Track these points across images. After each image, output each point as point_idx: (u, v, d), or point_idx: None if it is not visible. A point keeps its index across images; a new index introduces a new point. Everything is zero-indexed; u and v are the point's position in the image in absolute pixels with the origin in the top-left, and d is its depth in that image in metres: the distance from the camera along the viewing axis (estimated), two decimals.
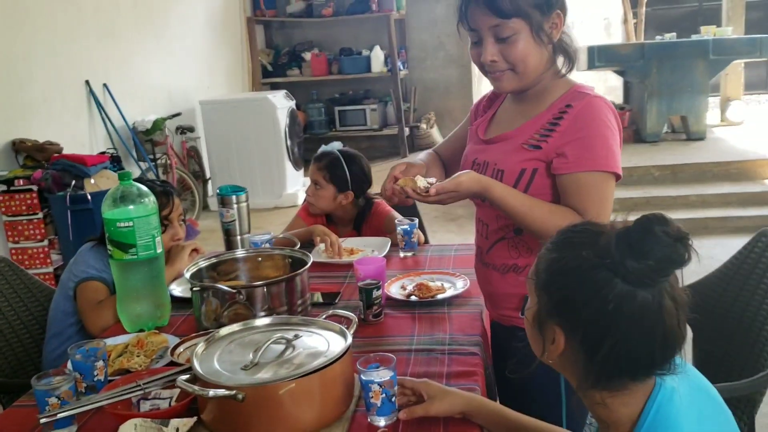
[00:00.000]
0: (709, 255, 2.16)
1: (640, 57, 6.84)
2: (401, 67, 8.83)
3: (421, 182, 1.68)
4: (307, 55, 9.08)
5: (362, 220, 2.79)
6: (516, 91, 1.74)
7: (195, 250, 2.30)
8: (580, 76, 10.86)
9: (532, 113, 1.73)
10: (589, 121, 1.64)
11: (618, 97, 8.23)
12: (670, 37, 7.52)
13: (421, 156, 1.99)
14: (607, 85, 10.63)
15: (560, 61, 1.72)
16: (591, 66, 6.94)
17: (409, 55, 9.19)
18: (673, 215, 4.27)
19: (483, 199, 1.69)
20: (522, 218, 1.64)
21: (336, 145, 2.80)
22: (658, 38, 7.74)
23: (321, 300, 2.08)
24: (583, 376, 1.06)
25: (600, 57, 6.88)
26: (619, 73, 7.56)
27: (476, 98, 7.37)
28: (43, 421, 1.39)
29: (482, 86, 10.37)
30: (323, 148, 2.84)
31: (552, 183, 1.67)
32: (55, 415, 1.39)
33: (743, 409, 1.92)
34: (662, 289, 1.01)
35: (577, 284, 1.03)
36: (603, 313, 1.00)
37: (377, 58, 8.79)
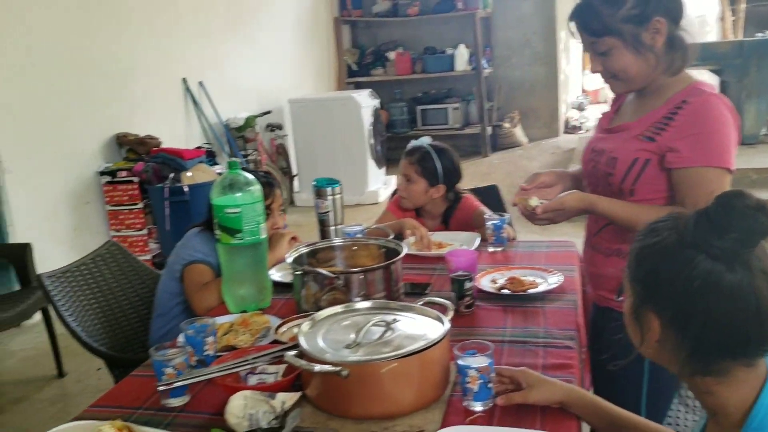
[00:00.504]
0: None
1: (738, 55, 6.60)
2: (485, 65, 8.81)
3: (534, 201, 1.85)
4: (392, 54, 9.17)
5: (451, 214, 2.82)
6: (629, 92, 1.84)
7: (293, 239, 2.41)
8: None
9: (650, 107, 1.80)
10: (705, 118, 1.68)
11: None
12: None
13: (571, 168, 2.13)
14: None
15: (673, 61, 1.74)
16: None
17: (494, 53, 9.15)
18: None
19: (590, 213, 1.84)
20: (632, 226, 1.71)
21: (426, 140, 2.84)
22: (758, 35, 7.44)
23: (417, 290, 2.13)
24: (681, 361, 1.07)
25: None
26: (716, 71, 7.30)
27: (563, 97, 7.42)
28: (161, 388, 1.50)
29: (569, 85, 10.23)
30: (413, 142, 2.87)
31: (663, 176, 1.74)
32: (172, 384, 1.49)
33: None
34: (750, 262, 1.01)
35: (662, 266, 1.06)
36: (690, 291, 1.02)
37: (461, 56, 8.80)
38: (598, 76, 1.81)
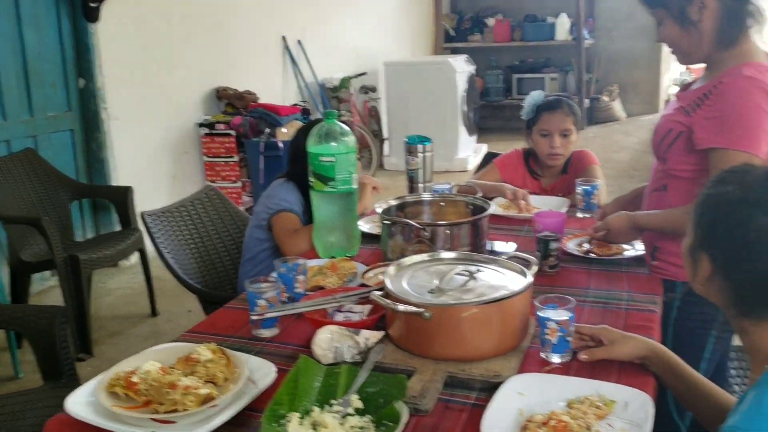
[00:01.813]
0: None
1: None
2: (586, 36, 8.58)
3: None
4: (491, 21, 9.06)
5: (569, 163, 2.78)
6: (689, 64, 1.92)
7: (374, 188, 2.47)
8: None
9: (703, 81, 1.86)
10: (732, 100, 1.71)
11: None
12: None
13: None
14: None
15: (722, 34, 1.77)
16: None
17: (596, 24, 8.89)
18: None
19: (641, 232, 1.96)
20: (675, 231, 1.75)
21: (540, 93, 2.77)
22: None
23: (503, 249, 2.15)
24: (728, 302, 1.16)
25: None
26: None
27: (665, 72, 7.19)
28: (254, 318, 1.59)
29: (671, 61, 9.83)
30: (540, 98, 2.75)
31: (689, 150, 1.79)
32: (263, 314, 1.58)
33: None
34: None
35: (722, 216, 1.13)
36: (744, 242, 1.10)
37: (562, 25, 8.60)
38: (666, 44, 1.87)
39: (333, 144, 2.01)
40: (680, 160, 1.83)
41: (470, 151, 7.46)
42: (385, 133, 7.51)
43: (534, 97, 2.75)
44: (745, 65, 1.74)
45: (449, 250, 1.89)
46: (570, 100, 2.75)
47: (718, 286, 1.16)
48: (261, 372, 1.39)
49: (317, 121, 2.18)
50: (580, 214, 2.47)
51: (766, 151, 1.70)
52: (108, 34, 4.53)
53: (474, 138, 7.63)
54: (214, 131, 5.24)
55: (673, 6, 1.76)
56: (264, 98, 5.55)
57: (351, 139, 2.04)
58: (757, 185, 1.11)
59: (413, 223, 1.87)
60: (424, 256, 1.66)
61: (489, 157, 3.27)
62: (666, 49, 8.16)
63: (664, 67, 9.03)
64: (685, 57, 1.86)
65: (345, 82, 6.60)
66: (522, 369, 1.42)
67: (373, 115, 7.40)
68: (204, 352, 1.41)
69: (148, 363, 1.36)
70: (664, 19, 1.80)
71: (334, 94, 6.59)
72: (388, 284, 1.50)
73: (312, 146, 2.03)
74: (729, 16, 1.74)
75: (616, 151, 7.61)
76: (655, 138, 1.93)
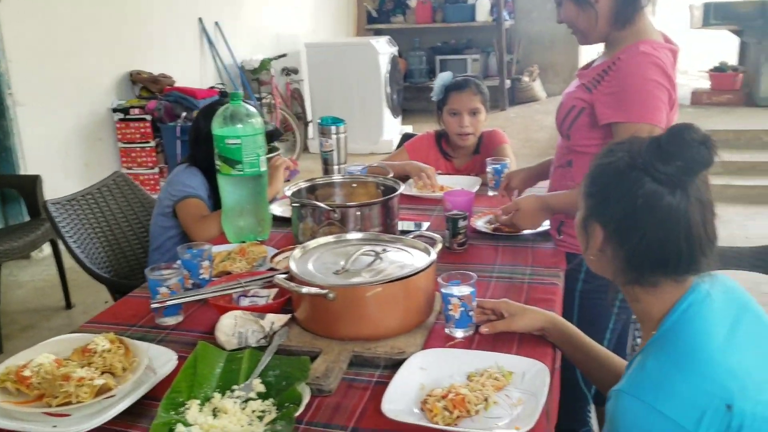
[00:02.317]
0: None
1: (759, 16, 6.46)
2: (507, 17, 8.69)
3: None
4: (413, 2, 9.07)
5: (480, 143, 2.81)
6: (586, 44, 1.94)
7: (287, 168, 2.44)
8: (695, 35, 10.32)
9: (601, 59, 1.91)
10: (629, 76, 1.77)
11: (732, 59, 7.83)
12: None
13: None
14: (721, 46, 10.10)
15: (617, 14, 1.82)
16: (705, 23, 6.64)
17: (515, 5, 9.01)
18: None
19: (552, 212, 1.98)
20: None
21: (449, 74, 2.79)
22: None
23: (412, 228, 2.17)
24: (619, 270, 1.17)
25: (716, 14, 6.56)
26: (736, 33, 7.18)
27: (583, 53, 7.36)
28: (154, 306, 1.56)
29: None
30: (453, 77, 2.77)
31: (593, 126, 1.84)
32: (165, 302, 1.55)
33: None
34: (689, 190, 1.10)
35: (612, 183, 1.15)
36: (633, 208, 1.12)
37: (483, 6, 8.68)
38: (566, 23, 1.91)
39: (239, 126, 1.97)
40: (584, 136, 1.88)
41: (395, 132, 7.46)
42: (309, 116, 7.45)
43: (443, 78, 2.77)
44: (641, 42, 1.80)
45: (360, 231, 1.89)
46: (478, 80, 2.78)
47: (610, 255, 1.18)
48: (161, 360, 1.36)
49: (220, 102, 2.13)
50: (491, 193, 2.52)
51: (666, 122, 1.76)
52: (11, 15, 4.32)
53: (399, 119, 7.65)
54: (128, 116, 5.08)
55: None
56: (181, 81, 5.42)
57: (257, 121, 2.01)
58: (643, 152, 1.12)
59: (322, 205, 1.86)
60: (330, 238, 1.65)
61: (405, 139, 3.28)
62: None
63: (582, 47, 9.24)
64: (583, 37, 1.90)
65: (265, 64, 6.49)
66: (427, 345, 1.44)
67: (296, 97, 7.33)
68: (101, 342, 1.36)
69: (41, 356, 1.31)
70: (563, 0, 1.85)
71: (254, 77, 6.49)
72: (293, 267, 1.49)
73: (217, 129, 1.99)
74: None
75: (537, 131, 7.76)
76: (558, 115, 1.98)
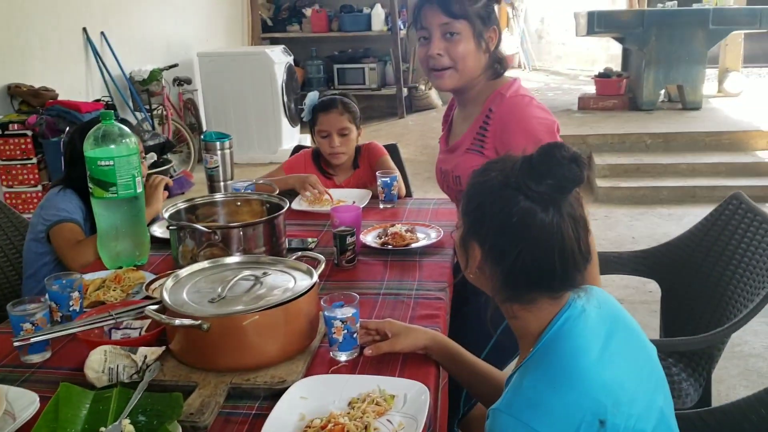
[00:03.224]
0: (695, 222, 2.24)
1: (639, 24, 6.78)
2: (401, 27, 8.77)
3: None
4: (308, 11, 9.01)
5: (358, 157, 2.81)
6: (455, 89, 1.94)
7: (167, 184, 2.36)
8: (584, 42, 10.74)
9: (471, 118, 1.94)
10: (511, 122, 1.82)
11: (618, 65, 8.20)
12: (671, 4, 7.44)
13: None
14: (608, 52, 10.56)
15: (494, 68, 1.92)
16: (591, 31, 6.90)
17: (409, 14, 9.11)
18: (663, 183, 4.40)
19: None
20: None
21: (315, 94, 2.79)
22: (659, 6, 7.67)
23: (300, 245, 2.13)
24: (497, 288, 1.18)
25: (600, 22, 6.82)
26: (619, 40, 7.51)
27: None
28: (16, 344, 1.45)
29: None
30: (317, 98, 2.78)
31: None
32: (29, 339, 1.45)
33: (702, 364, 1.99)
34: (562, 207, 1.11)
35: (487, 201, 1.15)
36: (508, 226, 1.12)
37: (378, 16, 8.73)
38: (433, 63, 1.88)
39: (112, 146, 1.88)
40: None
41: (294, 141, 7.38)
42: (204, 126, 7.27)
43: (310, 98, 2.77)
44: (502, 88, 1.89)
45: (244, 251, 1.83)
46: (346, 99, 2.75)
47: (489, 273, 1.18)
48: (21, 403, 1.27)
49: (94, 121, 2.03)
50: (381, 206, 2.51)
51: None
52: None
53: (297, 129, 7.58)
54: (7, 132, 4.78)
55: (476, 24, 1.84)
56: (65, 95, 5.15)
57: (132, 140, 1.92)
58: (516, 170, 1.13)
59: (200, 227, 1.79)
60: (206, 264, 1.59)
61: (297, 151, 3.23)
62: None
63: None
64: (458, 76, 1.88)
65: (155, 75, 6.28)
66: (311, 370, 1.40)
67: (190, 107, 7.13)
68: None
69: None
70: (461, 33, 1.84)
71: (143, 87, 6.26)
72: (165, 297, 1.42)
73: (89, 150, 1.88)
74: (498, 52, 1.90)
75: (433, 137, 7.85)
76: (455, 186, 1.97)
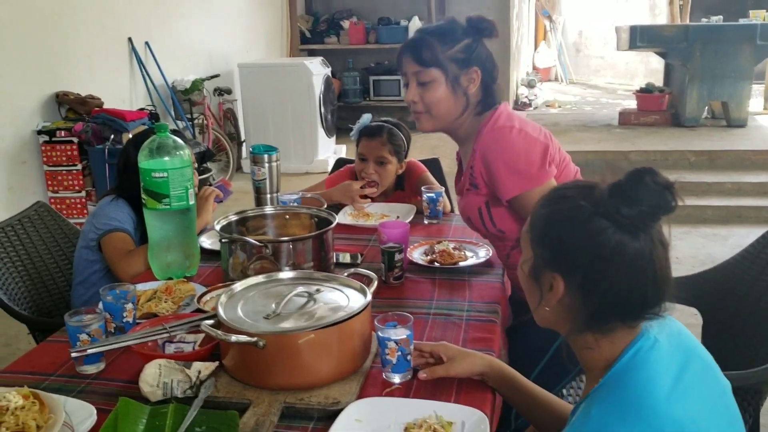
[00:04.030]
0: (740, 244, 2.17)
1: (683, 39, 6.69)
2: None
3: None
4: (346, 23, 9.06)
5: (403, 179, 2.80)
6: (435, 131, 1.96)
7: (217, 195, 2.38)
8: (623, 56, 10.63)
9: (466, 157, 1.96)
10: (489, 157, 1.83)
11: (659, 80, 8.09)
12: (716, 19, 7.34)
13: None
14: (648, 67, 10.45)
15: (481, 104, 1.91)
16: (633, 46, 6.83)
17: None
18: (707, 202, 4.29)
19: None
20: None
21: (368, 117, 2.79)
22: (704, 20, 7.56)
23: (348, 260, 2.12)
24: (579, 319, 1.13)
25: (642, 37, 6.75)
26: (661, 55, 7.42)
27: (514, 74, 7.51)
28: (74, 355, 1.46)
29: (520, 62, 10.26)
30: (367, 123, 2.76)
31: (509, 209, 1.87)
32: (85, 350, 1.46)
33: (749, 400, 1.90)
34: (652, 234, 1.08)
35: (574, 232, 1.10)
36: (600, 258, 1.08)
37: (415, 28, 8.74)
38: (411, 108, 1.91)
39: (166, 158, 1.90)
40: (512, 220, 1.88)
41: (330, 152, 7.43)
42: (243, 136, 7.34)
43: (362, 119, 2.77)
44: (483, 123, 1.88)
45: (293, 265, 1.83)
46: (395, 130, 2.72)
47: (572, 306, 1.13)
48: (80, 416, 1.27)
49: (149, 132, 2.04)
50: (426, 221, 2.50)
51: (554, 171, 1.82)
52: None
53: (333, 139, 7.61)
54: (54, 138, 4.87)
55: (450, 70, 1.84)
56: (110, 103, 5.24)
57: (186, 153, 1.93)
58: (606, 198, 1.08)
59: (252, 241, 1.80)
60: (260, 278, 1.59)
61: (341, 163, 3.24)
62: (515, 49, 8.45)
63: (513, 69, 9.41)
64: (436, 121, 1.90)
65: (197, 84, 6.36)
66: (363, 392, 1.39)
67: (229, 117, 7.21)
68: (13, 398, 1.27)
69: None
70: (434, 80, 1.85)
71: (185, 97, 6.34)
72: (221, 313, 1.42)
73: (143, 162, 1.90)
74: (486, 88, 1.89)
75: None
76: (479, 227, 1.97)
